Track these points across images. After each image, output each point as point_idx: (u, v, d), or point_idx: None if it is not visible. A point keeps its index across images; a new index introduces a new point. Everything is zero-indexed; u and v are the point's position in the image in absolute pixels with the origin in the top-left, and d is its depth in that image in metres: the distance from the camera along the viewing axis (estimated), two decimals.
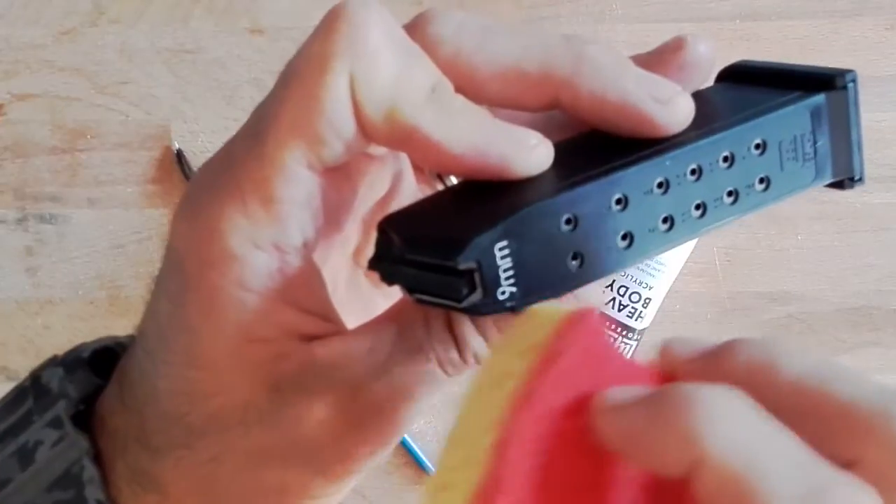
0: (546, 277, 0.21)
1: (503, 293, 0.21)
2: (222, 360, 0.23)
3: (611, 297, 0.62)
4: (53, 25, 0.63)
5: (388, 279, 0.23)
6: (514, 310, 0.21)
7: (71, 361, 0.27)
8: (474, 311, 0.21)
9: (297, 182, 0.22)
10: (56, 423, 0.25)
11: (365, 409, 0.23)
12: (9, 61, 0.64)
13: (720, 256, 0.64)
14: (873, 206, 0.64)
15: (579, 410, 0.18)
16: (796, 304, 0.64)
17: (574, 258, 0.21)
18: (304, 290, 0.24)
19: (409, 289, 0.22)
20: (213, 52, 0.63)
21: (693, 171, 0.22)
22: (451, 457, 0.18)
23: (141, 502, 0.24)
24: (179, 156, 0.63)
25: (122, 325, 0.65)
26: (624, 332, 0.62)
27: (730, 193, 0.23)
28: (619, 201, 0.22)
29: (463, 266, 0.20)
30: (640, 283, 0.61)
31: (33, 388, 0.26)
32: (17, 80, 0.64)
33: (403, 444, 0.64)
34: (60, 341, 0.65)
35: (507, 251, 0.20)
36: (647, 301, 0.62)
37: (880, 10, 0.63)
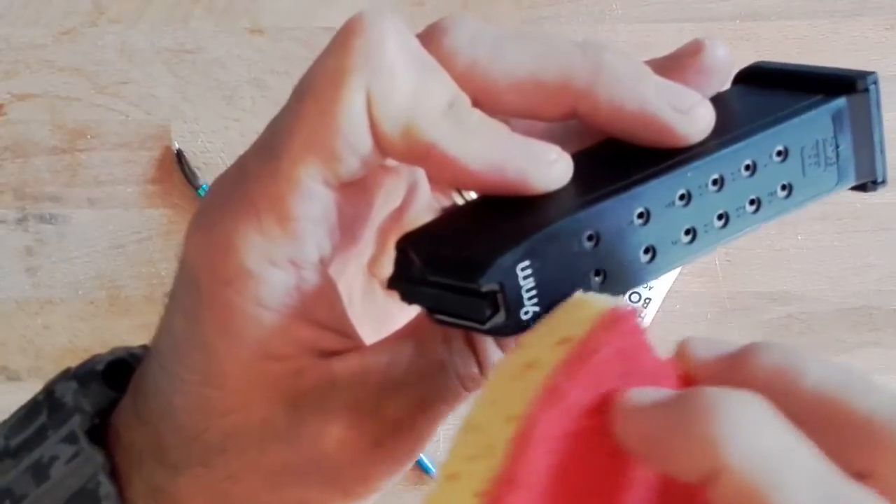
0: (569, 294, 0.21)
1: (526, 313, 0.20)
2: (238, 377, 0.23)
3: None
4: (53, 25, 0.63)
5: (409, 299, 0.22)
6: None
7: (84, 374, 0.26)
8: (497, 333, 0.21)
9: (312, 199, 0.22)
10: (71, 439, 0.25)
11: (384, 427, 0.23)
12: (9, 61, 0.64)
13: (720, 256, 0.64)
14: (873, 206, 0.64)
15: (601, 409, 0.18)
16: (796, 304, 0.65)
17: (597, 274, 0.21)
18: (321, 306, 0.23)
19: (430, 309, 0.22)
20: (213, 52, 0.63)
21: (715, 182, 0.22)
22: (465, 445, 0.18)
23: None
24: (179, 156, 0.63)
25: (122, 325, 0.65)
26: None
27: (752, 202, 0.23)
28: (640, 215, 0.21)
29: (486, 288, 0.20)
30: None
31: (47, 401, 0.26)
32: (17, 80, 0.64)
33: None
34: (60, 341, 0.65)
35: (529, 271, 0.20)
36: (647, 301, 0.62)
37: (880, 10, 0.63)
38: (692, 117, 0.22)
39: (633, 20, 0.63)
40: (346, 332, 0.24)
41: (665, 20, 0.63)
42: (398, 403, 0.23)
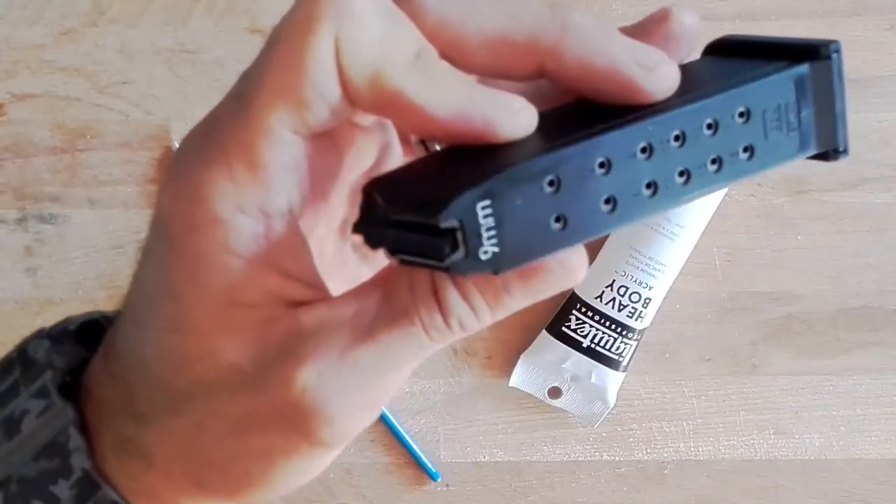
0: (528, 238, 0.21)
1: (485, 253, 0.21)
2: (207, 323, 0.23)
3: (611, 297, 0.62)
4: (53, 25, 0.63)
5: (372, 242, 0.23)
6: (496, 270, 0.21)
7: (58, 333, 0.27)
8: (456, 271, 0.21)
9: (282, 146, 0.22)
10: (42, 393, 0.25)
11: (350, 375, 0.23)
12: (9, 61, 0.64)
13: (720, 256, 0.64)
14: (873, 206, 0.64)
15: None
16: (796, 304, 0.64)
17: (557, 220, 0.22)
18: (289, 256, 0.24)
19: (393, 250, 0.22)
20: (213, 52, 0.63)
21: (676, 138, 0.22)
22: None
23: (127, 469, 0.24)
24: None
25: None
26: (624, 332, 0.62)
27: (714, 161, 0.23)
28: (602, 164, 0.22)
29: (445, 224, 0.20)
30: (640, 283, 0.61)
31: (20, 359, 0.26)
32: (17, 80, 0.64)
33: (404, 445, 0.64)
34: None
35: (489, 211, 0.21)
36: (647, 301, 0.62)
37: (880, 10, 0.63)
38: (657, 74, 0.23)
39: (633, 20, 0.63)
40: (314, 283, 0.24)
41: None
42: (363, 352, 0.23)
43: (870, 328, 0.65)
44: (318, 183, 0.24)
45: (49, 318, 0.65)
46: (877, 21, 0.63)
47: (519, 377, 0.64)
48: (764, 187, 0.64)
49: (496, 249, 0.21)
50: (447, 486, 0.65)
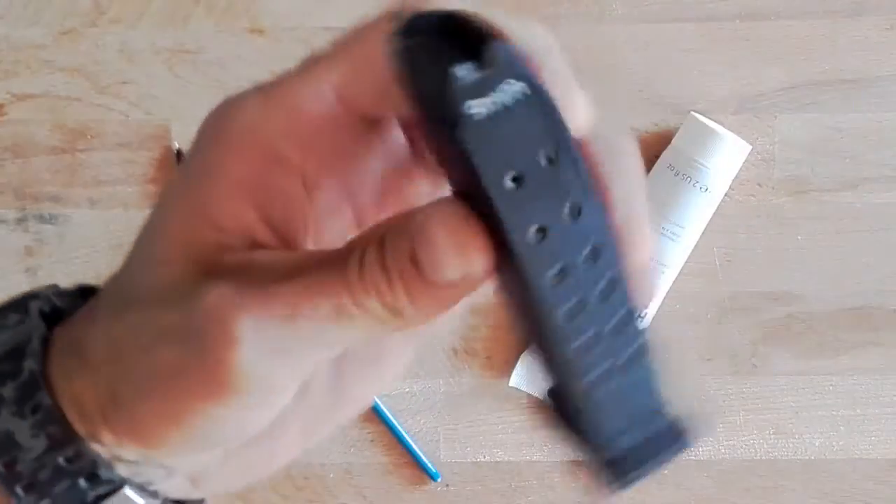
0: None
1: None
2: (176, 231, 0.23)
3: None
4: (53, 25, 0.63)
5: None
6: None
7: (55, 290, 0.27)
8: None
9: (320, 97, 0.23)
10: (21, 310, 0.25)
11: (265, 305, 0.21)
12: (9, 61, 0.64)
13: (720, 256, 0.64)
14: (873, 206, 0.64)
15: None
16: (796, 304, 0.64)
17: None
18: (279, 205, 0.23)
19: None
20: (213, 52, 0.63)
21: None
22: None
23: (65, 367, 0.24)
24: (179, 156, 0.63)
25: None
26: None
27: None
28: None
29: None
30: None
31: (21, 297, 0.26)
32: (17, 80, 0.64)
33: (404, 445, 0.64)
34: None
35: None
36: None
37: (880, 10, 0.63)
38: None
39: (633, 20, 0.63)
40: (290, 240, 0.24)
41: (665, 20, 0.63)
42: (285, 287, 0.22)
43: (870, 328, 0.65)
44: (340, 161, 0.24)
45: None
46: (877, 21, 0.63)
47: (519, 377, 0.64)
48: (764, 187, 0.64)
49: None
50: (447, 486, 0.65)
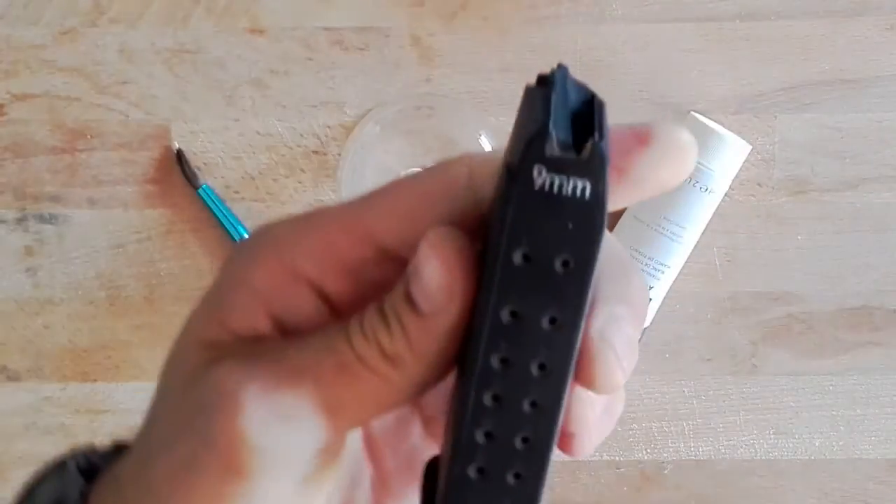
0: None
1: None
2: (194, 331, 0.24)
3: None
4: (53, 25, 0.63)
5: None
6: None
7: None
8: None
9: (348, 229, 0.24)
10: (60, 467, 0.26)
11: (263, 369, 0.22)
12: (9, 61, 0.64)
13: (720, 256, 0.64)
14: (873, 206, 0.64)
15: None
16: (796, 304, 0.64)
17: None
18: (292, 317, 0.24)
19: None
20: (213, 52, 0.63)
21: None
22: None
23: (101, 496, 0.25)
24: (179, 156, 0.63)
25: (122, 325, 0.65)
26: None
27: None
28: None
29: None
30: None
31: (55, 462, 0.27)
32: (17, 80, 0.64)
33: None
34: (60, 341, 0.65)
35: None
36: (648, 301, 0.62)
37: (880, 10, 0.63)
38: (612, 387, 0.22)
39: (633, 20, 0.63)
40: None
41: (665, 20, 0.63)
42: (294, 353, 0.23)
43: (870, 328, 0.65)
44: (363, 288, 0.25)
45: (49, 318, 0.65)
46: (877, 21, 0.63)
47: None
48: (764, 187, 0.64)
49: None
50: None
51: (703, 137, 0.60)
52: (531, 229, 0.20)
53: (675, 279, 0.62)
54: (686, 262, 0.63)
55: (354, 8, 0.63)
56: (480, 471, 0.22)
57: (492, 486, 0.22)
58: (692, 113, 0.62)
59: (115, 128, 0.64)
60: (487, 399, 0.21)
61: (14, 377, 0.65)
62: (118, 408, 0.65)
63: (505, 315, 0.21)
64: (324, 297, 0.24)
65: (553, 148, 0.19)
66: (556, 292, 0.20)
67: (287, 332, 0.24)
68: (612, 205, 0.21)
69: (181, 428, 0.23)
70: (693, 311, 0.65)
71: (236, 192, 0.64)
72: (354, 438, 0.27)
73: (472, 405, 0.21)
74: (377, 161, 0.64)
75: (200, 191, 0.63)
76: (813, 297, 0.65)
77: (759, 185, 0.64)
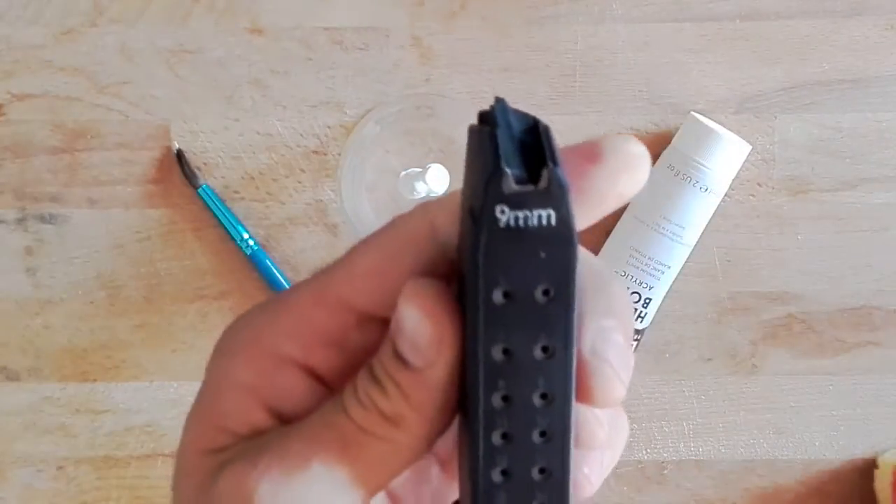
0: None
1: None
2: (193, 442, 0.25)
3: None
4: (53, 25, 0.63)
5: None
6: None
7: None
8: None
9: (323, 302, 0.24)
10: None
11: (270, 461, 0.22)
12: (9, 61, 0.64)
13: (720, 256, 0.64)
14: (873, 206, 0.64)
15: None
16: (796, 304, 0.65)
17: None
18: (286, 401, 0.24)
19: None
20: (213, 52, 0.63)
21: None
22: None
23: None
24: (179, 156, 0.63)
25: (122, 325, 0.65)
26: None
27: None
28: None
29: None
30: (640, 283, 0.61)
31: None
32: (17, 80, 0.64)
33: None
34: (60, 341, 0.65)
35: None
36: (648, 301, 0.62)
37: (880, 10, 0.63)
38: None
39: (633, 20, 0.63)
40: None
41: (665, 20, 0.63)
42: (297, 439, 0.23)
43: (870, 328, 0.65)
44: (347, 355, 0.25)
45: (49, 318, 0.65)
46: (877, 21, 0.63)
47: None
48: (764, 187, 0.64)
49: None
50: None
51: (703, 137, 0.60)
52: (506, 267, 0.20)
53: (675, 279, 0.62)
54: (686, 262, 0.63)
55: (354, 8, 0.63)
56: None
57: None
58: (692, 113, 0.62)
59: (115, 128, 0.64)
60: (497, 439, 0.21)
61: (14, 377, 0.65)
62: (118, 408, 0.65)
63: (497, 354, 0.21)
64: (313, 374, 0.24)
65: (510, 185, 0.19)
66: (542, 322, 0.20)
67: (286, 419, 0.24)
68: (577, 226, 0.21)
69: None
70: (693, 311, 0.65)
71: (236, 192, 0.64)
72: (378, 497, 0.27)
73: (483, 447, 0.21)
74: (377, 161, 0.64)
75: (200, 191, 0.63)
76: (813, 297, 0.65)
77: (759, 185, 0.64)
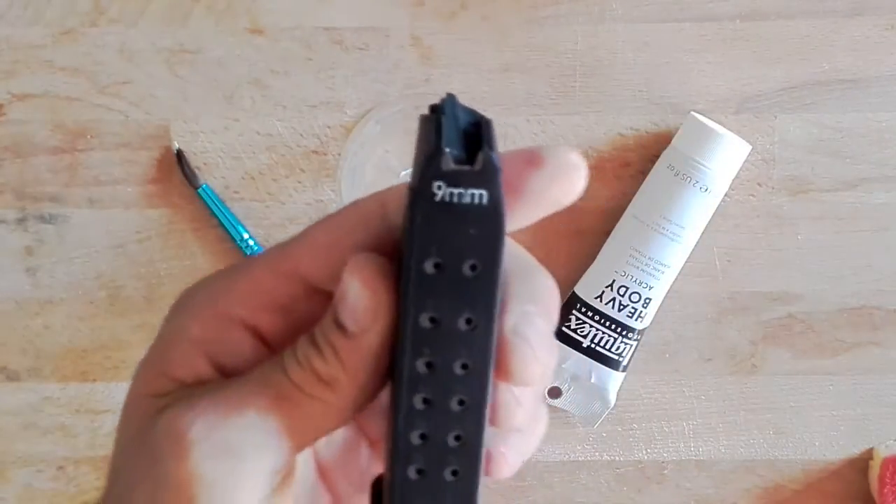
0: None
1: None
2: (140, 387, 0.27)
3: (611, 297, 0.62)
4: (53, 25, 0.63)
5: None
6: None
7: None
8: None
9: (275, 272, 0.26)
10: None
11: (207, 405, 0.24)
12: (9, 61, 0.64)
13: (720, 256, 0.64)
14: (873, 206, 0.64)
15: None
16: (796, 304, 0.65)
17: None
18: (230, 357, 0.26)
19: None
20: (213, 52, 0.63)
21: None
22: None
23: None
24: (179, 156, 0.63)
25: (122, 325, 0.65)
26: (624, 332, 0.62)
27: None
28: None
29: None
30: (640, 283, 0.61)
31: None
32: (17, 80, 0.64)
33: None
34: (60, 341, 0.65)
35: None
36: (648, 301, 0.62)
37: (880, 10, 0.63)
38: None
39: (633, 20, 0.63)
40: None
41: (665, 20, 0.63)
42: (235, 388, 0.25)
43: (870, 328, 0.65)
44: (294, 320, 0.26)
45: (49, 318, 0.65)
46: (877, 21, 0.63)
47: None
48: (764, 187, 0.64)
49: None
50: None
51: (703, 137, 0.60)
52: (439, 239, 0.22)
53: (675, 279, 0.62)
54: (686, 262, 0.63)
55: (354, 8, 0.63)
56: (420, 472, 0.23)
57: (432, 485, 0.23)
58: (692, 113, 0.62)
59: (115, 128, 0.64)
60: (418, 402, 0.23)
61: (14, 377, 0.65)
62: (118, 408, 0.65)
63: (424, 321, 0.22)
64: (259, 336, 0.26)
65: (448, 163, 0.22)
66: (467, 295, 0.22)
67: (227, 373, 0.26)
68: (512, 223, 0.23)
69: (139, 477, 0.24)
70: (693, 311, 0.65)
71: (236, 192, 0.64)
72: (308, 468, 0.28)
73: (405, 409, 0.23)
74: (377, 161, 0.64)
75: (200, 191, 0.63)
76: (813, 297, 0.65)
77: (759, 185, 0.64)
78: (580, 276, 0.63)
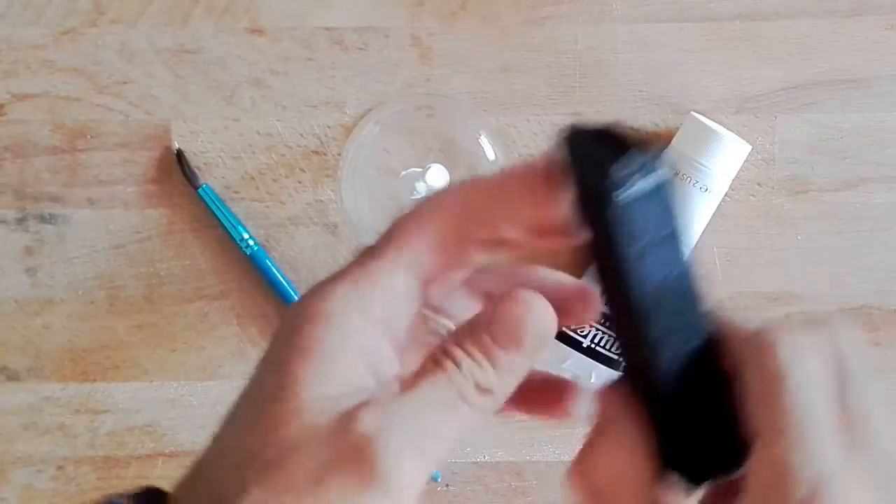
0: None
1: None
2: (305, 384, 0.27)
3: None
4: (53, 25, 0.63)
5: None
6: None
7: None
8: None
9: (395, 275, 0.29)
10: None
11: (399, 418, 0.27)
12: (9, 61, 0.64)
13: (720, 256, 0.64)
14: (873, 206, 0.64)
15: None
16: (796, 304, 0.65)
17: None
18: (381, 366, 0.29)
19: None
20: (213, 52, 0.63)
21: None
22: None
23: None
24: (179, 156, 0.63)
25: (122, 325, 0.65)
26: None
27: None
28: None
29: None
30: None
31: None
32: (17, 80, 0.64)
33: None
34: (60, 341, 0.65)
35: None
36: None
37: (880, 10, 0.63)
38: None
39: (633, 20, 0.63)
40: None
41: (665, 20, 0.63)
42: (406, 397, 0.27)
43: (870, 328, 0.65)
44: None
45: (49, 318, 0.65)
46: (877, 21, 0.63)
47: None
48: (764, 187, 0.64)
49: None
50: (447, 486, 0.65)
51: (703, 137, 0.60)
52: (634, 228, 0.27)
53: None
54: None
55: (354, 8, 0.63)
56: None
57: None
58: (692, 113, 0.62)
59: (115, 128, 0.64)
60: (657, 331, 0.31)
61: (14, 377, 0.65)
62: (118, 408, 0.65)
63: (651, 295, 0.31)
64: (394, 341, 0.29)
65: (616, 173, 0.26)
66: (675, 250, 0.32)
67: (379, 381, 0.28)
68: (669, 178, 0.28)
69: (331, 466, 0.25)
70: None
71: (236, 192, 0.64)
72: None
73: (651, 342, 0.31)
74: (377, 161, 0.64)
75: (200, 191, 0.63)
76: (813, 297, 0.65)
77: (759, 185, 0.64)
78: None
